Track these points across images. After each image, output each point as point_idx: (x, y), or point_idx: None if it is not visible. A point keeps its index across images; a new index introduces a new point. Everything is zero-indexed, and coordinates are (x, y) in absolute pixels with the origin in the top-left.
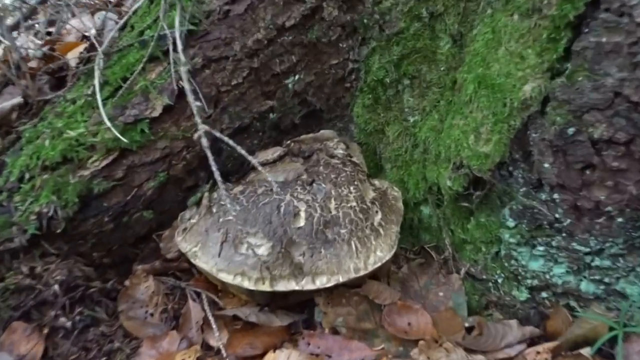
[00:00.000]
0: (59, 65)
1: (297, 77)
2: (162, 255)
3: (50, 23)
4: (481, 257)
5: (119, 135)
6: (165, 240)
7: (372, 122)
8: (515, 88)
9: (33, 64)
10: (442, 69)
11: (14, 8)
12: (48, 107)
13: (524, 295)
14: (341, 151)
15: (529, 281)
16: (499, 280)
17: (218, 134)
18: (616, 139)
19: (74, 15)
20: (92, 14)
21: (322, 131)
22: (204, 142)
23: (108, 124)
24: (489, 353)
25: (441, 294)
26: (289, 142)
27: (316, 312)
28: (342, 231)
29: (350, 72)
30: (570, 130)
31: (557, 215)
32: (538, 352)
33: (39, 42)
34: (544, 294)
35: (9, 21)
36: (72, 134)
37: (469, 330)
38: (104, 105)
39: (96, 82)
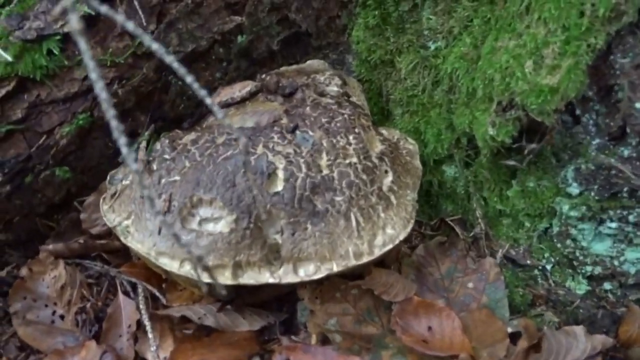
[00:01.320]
0: None
1: None
2: (85, 230)
3: None
4: (524, 236)
5: (5, 56)
6: (89, 209)
7: (378, 51)
8: None
9: None
10: None
11: None
12: None
13: (582, 287)
14: (336, 88)
15: (588, 268)
16: (548, 267)
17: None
18: None
19: None
20: None
21: (309, 62)
22: (74, 20)
23: None
24: None
25: (471, 285)
26: (263, 75)
27: (299, 311)
28: (338, 199)
29: None
30: None
31: None
32: None
33: None
34: (607, 286)
35: None
36: None
37: (513, 337)
38: None
39: None
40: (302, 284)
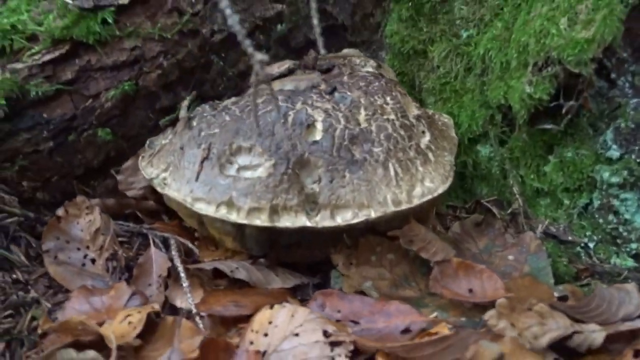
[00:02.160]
0: None
1: None
2: (121, 194)
3: None
4: (563, 215)
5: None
6: (126, 172)
7: (412, 41)
8: None
9: None
10: None
11: None
12: None
13: (628, 263)
14: (371, 69)
15: (633, 245)
16: (591, 245)
17: None
18: None
19: None
20: None
21: (345, 50)
22: None
23: None
24: (604, 325)
25: (511, 257)
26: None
27: (333, 278)
28: (376, 150)
29: None
30: None
31: None
32: None
33: None
34: None
35: None
36: (6, 20)
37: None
38: None
39: None
40: (337, 248)
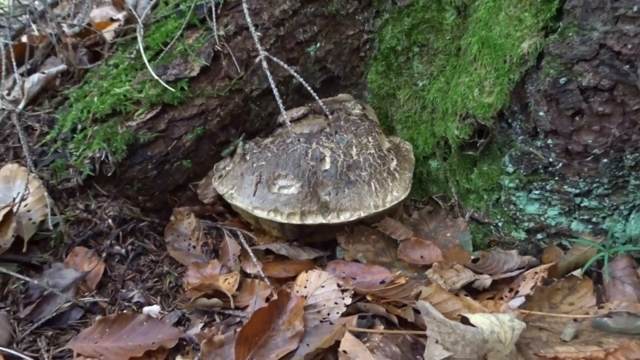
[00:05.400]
0: (96, 40)
1: (318, 44)
2: (199, 202)
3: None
4: (483, 205)
5: (165, 85)
6: (202, 187)
7: (385, 87)
8: (515, 46)
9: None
10: (447, 37)
11: None
12: (90, 74)
13: (522, 236)
14: (358, 110)
15: (526, 224)
16: (500, 224)
17: (275, 59)
18: (601, 86)
19: None
20: None
21: (340, 95)
22: (265, 65)
23: (155, 76)
24: (493, 275)
25: (449, 234)
26: (310, 103)
27: (338, 250)
28: (363, 174)
29: (365, 42)
30: (562, 80)
31: (550, 160)
32: (536, 272)
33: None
34: (539, 235)
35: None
36: (118, 90)
37: (475, 262)
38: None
39: (140, 45)
40: (340, 231)
